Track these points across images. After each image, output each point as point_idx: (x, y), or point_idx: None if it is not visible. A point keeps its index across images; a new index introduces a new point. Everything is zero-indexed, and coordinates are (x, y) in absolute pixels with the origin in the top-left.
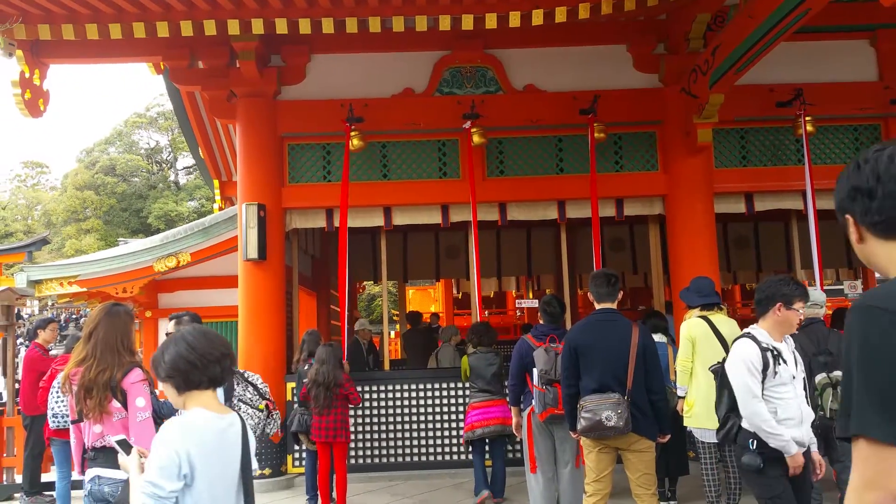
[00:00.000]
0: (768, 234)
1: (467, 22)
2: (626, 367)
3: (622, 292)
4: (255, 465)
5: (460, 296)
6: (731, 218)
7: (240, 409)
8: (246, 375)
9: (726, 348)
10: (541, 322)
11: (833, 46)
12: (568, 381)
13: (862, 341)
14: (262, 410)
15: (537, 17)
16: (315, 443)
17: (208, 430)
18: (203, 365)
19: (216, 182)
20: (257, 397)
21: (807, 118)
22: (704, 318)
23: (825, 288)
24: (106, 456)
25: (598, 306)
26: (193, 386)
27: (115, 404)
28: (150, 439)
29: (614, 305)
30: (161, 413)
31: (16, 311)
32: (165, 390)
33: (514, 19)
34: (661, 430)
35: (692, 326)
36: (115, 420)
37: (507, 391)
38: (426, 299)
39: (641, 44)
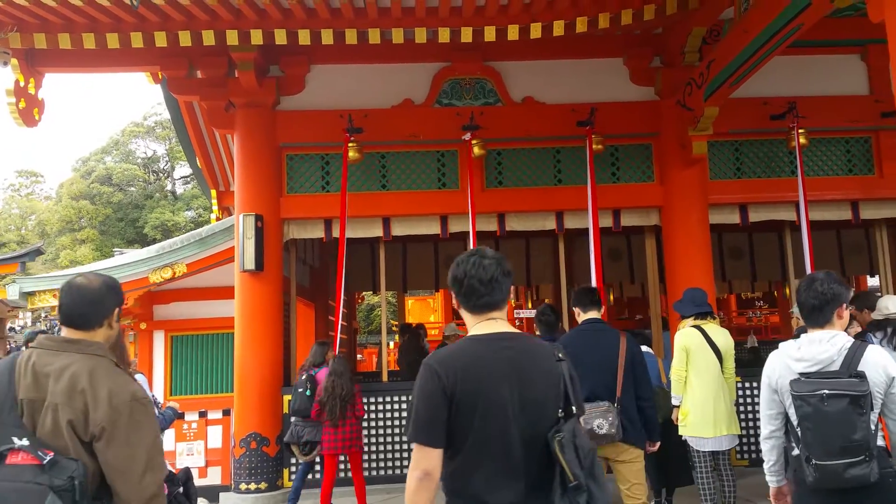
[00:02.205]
0: (762, 244)
1: (466, 34)
2: (616, 376)
3: (604, 306)
4: None
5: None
6: (726, 228)
7: None
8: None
9: (720, 357)
10: (536, 332)
11: (825, 61)
12: None
13: (418, 385)
14: None
15: (535, 31)
16: (306, 454)
17: None
18: None
19: (213, 192)
20: None
21: (800, 131)
22: (698, 327)
23: None
24: None
25: (583, 318)
26: None
27: None
28: None
29: (599, 315)
30: (161, 426)
31: (7, 323)
32: None
33: (513, 32)
34: (650, 438)
35: (686, 336)
36: None
37: None
38: (425, 309)
39: (638, 57)
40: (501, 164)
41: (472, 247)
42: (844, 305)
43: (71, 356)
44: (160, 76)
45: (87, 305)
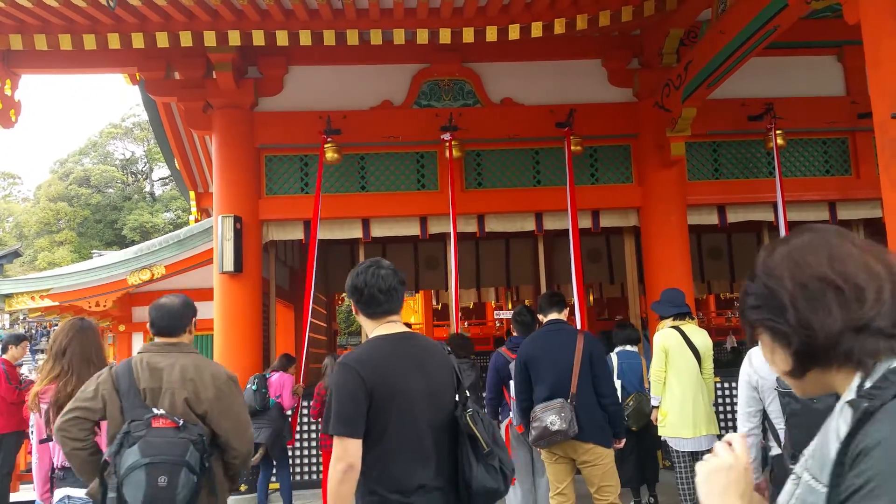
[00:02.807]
0: (741, 245)
1: (445, 36)
2: (571, 374)
3: (567, 307)
4: None
5: (440, 307)
6: (705, 229)
7: None
8: None
9: (698, 357)
10: (514, 334)
11: (802, 62)
12: (520, 395)
13: (336, 382)
14: None
15: (514, 32)
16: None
17: None
18: None
19: (192, 193)
20: None
21: (777, 132)
22: (676, 328)
23: None
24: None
25: (545, 320)
26: None
27: None
28: None
29: (562, 316)
30: None
31: None
32: None
33: (491, 33)
34: (615, 435)
35: (665, 336)
36: None
37: (485, 404)
38: (406, 310)
39: (616, 59)
40: (481, 166)
41: (452, 248)
42: None
43: (174, 355)
44: (138, 77)
45: (173, 319)
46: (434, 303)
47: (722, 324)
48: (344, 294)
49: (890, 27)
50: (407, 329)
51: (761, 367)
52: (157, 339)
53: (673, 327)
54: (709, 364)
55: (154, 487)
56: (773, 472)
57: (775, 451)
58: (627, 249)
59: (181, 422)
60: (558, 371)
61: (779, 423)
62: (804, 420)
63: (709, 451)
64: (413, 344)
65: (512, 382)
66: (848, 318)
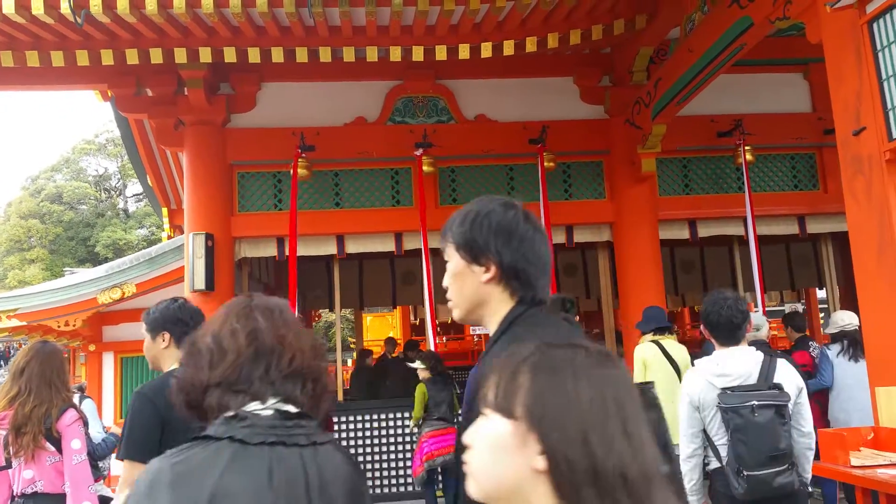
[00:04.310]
0: (713, 258)
1: (418, 53)
2: None
3: (577, 316)
4: None
5: (418, 322)
6: (678, 243)
7: None
8: None
9: (678, 370)
10: None
11: (770, 79)
12: None
13: (134, 410)
14: None
15: (486, 50)
16: None
17: None
18: None
19: (165, 210)
20: None
21: (746, 147)
22: (655, 342)
23: (768, 309)
24: (37, 503)
25: None
26: None
27: (49, 447)
28: (86, 482)
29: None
30: (96, 454)
31: None
32: None
33: (464, 51)
34: None
35: (644, 349)
36: (48, 464)
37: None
38: (384, 326)
39: (588, 76)
40: (455, 182)
41: (425, 264)
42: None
43: None
44: (109, 94)
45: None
46: (412, 318)
47: (697, 336)
48: (321, 311)
49: (850, 46)
50: None
51: (701, 385)
52: None
53: (652, 341)
54: None
55: None
56: (712, 486)
57: (714, 465)
58: (602, 264)
59: None
60: None
61: (716, 439)
62: (747, 434)
63: None
64: None
65: None
66: (212, 376)
